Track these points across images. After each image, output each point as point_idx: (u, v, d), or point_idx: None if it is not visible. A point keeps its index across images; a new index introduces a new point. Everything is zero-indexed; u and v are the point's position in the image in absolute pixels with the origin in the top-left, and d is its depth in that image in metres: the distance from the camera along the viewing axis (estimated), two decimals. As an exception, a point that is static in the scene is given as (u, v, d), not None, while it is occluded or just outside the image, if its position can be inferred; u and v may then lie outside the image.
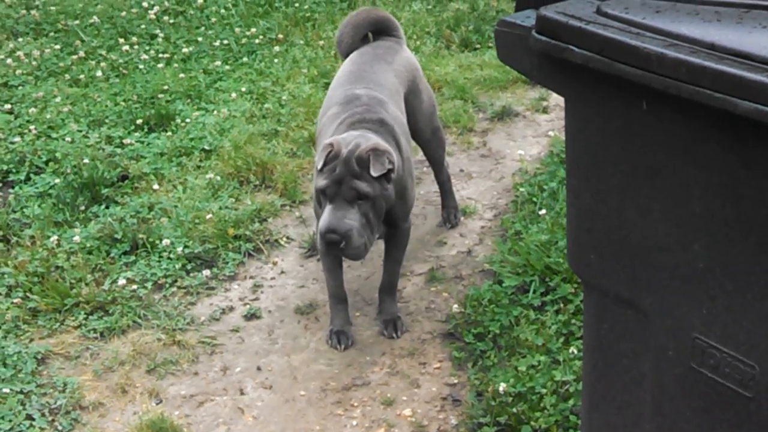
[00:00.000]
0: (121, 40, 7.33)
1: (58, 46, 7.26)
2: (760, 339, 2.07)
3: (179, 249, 4.76)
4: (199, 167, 5.59)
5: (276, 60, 7.02)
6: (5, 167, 5.56)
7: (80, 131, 5.98)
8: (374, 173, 3.85)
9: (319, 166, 3.89)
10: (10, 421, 3.78)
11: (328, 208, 3.86)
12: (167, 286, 4.59)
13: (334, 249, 3.87)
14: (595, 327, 2.48)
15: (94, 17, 7.70)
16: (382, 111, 4.17)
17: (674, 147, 2.10)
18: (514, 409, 3.65)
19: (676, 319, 2.23)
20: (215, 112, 6.21)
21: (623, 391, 2.44)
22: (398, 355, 4.15)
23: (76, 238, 4.84)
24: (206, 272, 4.66)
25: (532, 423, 3.59)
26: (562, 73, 2.28)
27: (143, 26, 7.60)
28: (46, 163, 5.60)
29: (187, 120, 6.09)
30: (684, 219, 2.14)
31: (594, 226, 2.37)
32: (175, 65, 6.95)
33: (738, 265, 2.06)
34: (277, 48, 7.22)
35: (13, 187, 5.41)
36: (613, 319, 2.41)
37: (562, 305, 4.20)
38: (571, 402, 3.64)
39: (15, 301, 4.45)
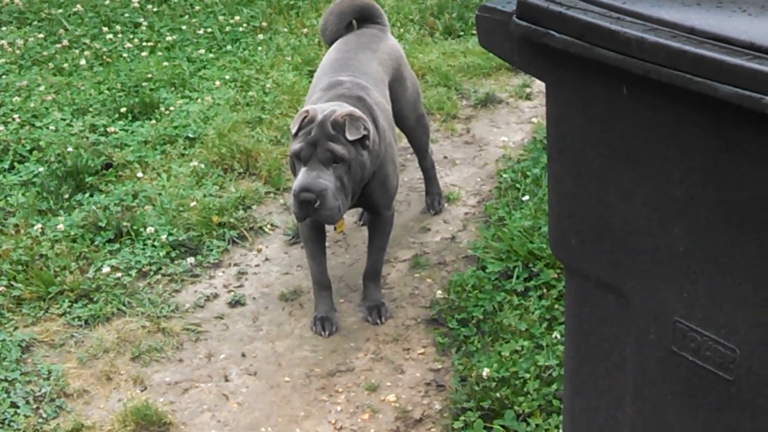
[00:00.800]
0: (105, 29, 7.31)
1: (41, 35, 7.24)
2: (740, 322, 2.07)
3: (163, 237, 4.76)
4: (183, 155, 5.59)
5: (260, 48, 7.02)
6: (-11, 156, 5.56)
7: (64, 120, 5.97)
8: (350, 137, 3.85)
9: (293, 131, 3.90)
10: (-5, 408, 3.79)
11: (302, 170, 3.85)
12: (151, 273, 4.59)
13: (307, 209, 3.82)
14: (577, 311, 2.49)
15: (78, 6, 7.67)
16: (363, 93, 4.17)
17: (655, 131, 2.10)
18: (498, 394, 3.66)
19: (657, 302, 2.23)
20: (199, 100, 6.21)
21: (605, 375, 2.44)
22: (382, 341, 4.16)
23: (60, 227, 4.84)
24: (190, 260, 4.66)
25: (516, 407, 3.61)
26: (543, 58, 2.28)
27: (127, 15, 7.58)
28: (30, 151, 5.59)
29: (171, 108, 6.08)
30: (665, 203, 2.14)
31: (575, 211, 2.38)
32: (159, 53, 6.94)
33: (718, 248, 2.07)
34: (261, 36, 7.22)
35: (-4, 176, 5.40)
36: (594, 303, 2.42)
37: (545, 290, 4.22)
38: (554, 386, 3.65)
39: (-1, 289, 4.46)
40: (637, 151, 2.16)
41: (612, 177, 2.24)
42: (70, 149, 5.49)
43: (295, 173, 3.95)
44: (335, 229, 4.26)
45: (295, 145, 3.88)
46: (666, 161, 2.10)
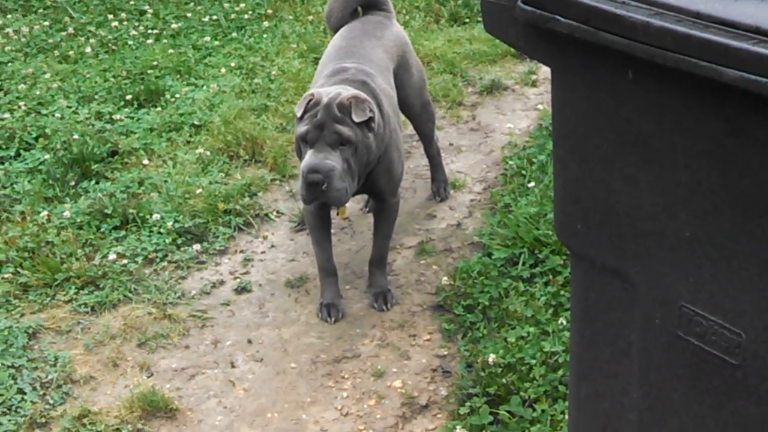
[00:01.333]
0: (110, 16, 7.32)
1: (47, 23, 7.25)
2: (746, 307, 2.07)
3: (169, 224, 4.76)
4: (188, 142, 5.59)
5: (265, 35, 7.02)
6: (-5, 144, 5.57)
7: (70, 107, 5.97)
8: (356, 119, 3.85)
9: (299, 114, 3.90)
10: (2, 395, 3.79)
11: (309, 152, 3.86)
12: (158, 260, 4.60)
13: (315, 191, 3.82)
14: (583, 297, 2.49)
15: (83, -7, 7.68)
16: (367, 79, 4.17)
17: (661, 116, 2.10)
18: (504, 380, 3.66)
19: (663, 287, 2.23)
20: (205, 87, 6.21)
21: (610, 360, 2.44)
22: (388, 328, 4.16)
23: (67, 214, 4.84)
24: (196, 246, 4.66)
25: (521, 393, 3.61)
26: (548, 43, 2.27)
27: (132, 2, 7.59)
28: (36, 139, 5.60)
29: (177, 95, 6.09)
30: (670, 188, 2.14)
31: (581, 197, 2.37)
32: (165, 41, 6.95)
33: (724, 233, 2.07)
34: (266, 23, 7.22)
35: (2, 164, 5.40)
36: (600, 289, 2.41)
37: (551, 277, 4.22)
38: (560, 372, 3.65)
39: (6, 276, 4.45)
40: (642, 136, 2.16)
41: (617, 162, 2.24)
42: (75, 136, 5.50)
43: (300, 157, 3.95)
44: (337, 214, 4.27)
45: (301, 128, 3.89)
46: (671, 146, 2.10)
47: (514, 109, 6.00)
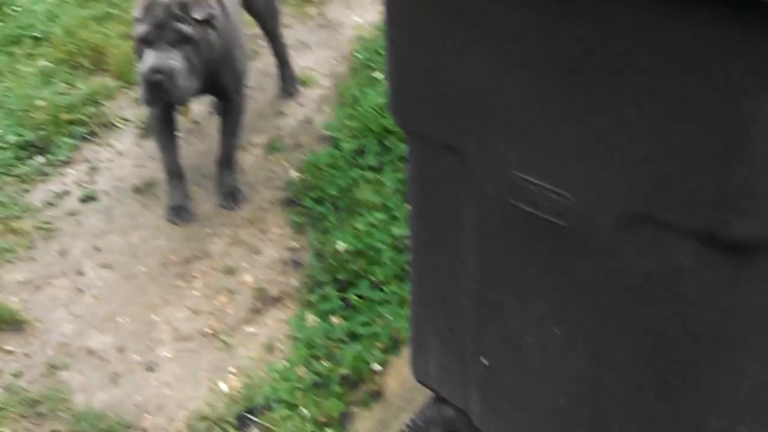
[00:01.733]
0: (-58, -69, 7.06)
1: None
2: (573, 170, 2.08)
3: (11, 138, 4.64)
4: (30, 55, 5.44)
5: (106, -58, 6.83)
6: None
7: None
8: (197, 16, 3.79)
9: (138, 15, 3.81)
10: None
11: (149, 52, 3.78)
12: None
13: (157, 91, 3.76)
14: (418, 174, 2.49)
15: None
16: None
17: (485, -13, 2.09)
18: (353, 266, 3.66)
19: (494, 158, 2.24)
20: (45, -2, 6.05)
21: (447, 233, 2.45)
22: (238, 225, 4.12)
23: None
24: (40, 159, 4.55)
25: (371, 277, 3.61)
26: None
27: None
28: None
29: (15, 8, 5.91)
30: (498, 59, 2.13)
31: (412, 74, 2.36)
32: (0, -47, 6.72)
33: (550, 99, 2.07)
34: (105, -70, 7.02)
35: None
36: (434, 165, 2.41)
37: (399, 164, 4.22)
38: (407, 254, 3.66)
39: None
40: (469, 10, 2.14)
41: (447, 38, 2.22)
42: None
43: (141, 58, 3.87)
44: (182, 114, 4.21)
45: (140, 29, 3.80)
46: (499, 18, 2.09)
47: (362, 4, 5.94)
